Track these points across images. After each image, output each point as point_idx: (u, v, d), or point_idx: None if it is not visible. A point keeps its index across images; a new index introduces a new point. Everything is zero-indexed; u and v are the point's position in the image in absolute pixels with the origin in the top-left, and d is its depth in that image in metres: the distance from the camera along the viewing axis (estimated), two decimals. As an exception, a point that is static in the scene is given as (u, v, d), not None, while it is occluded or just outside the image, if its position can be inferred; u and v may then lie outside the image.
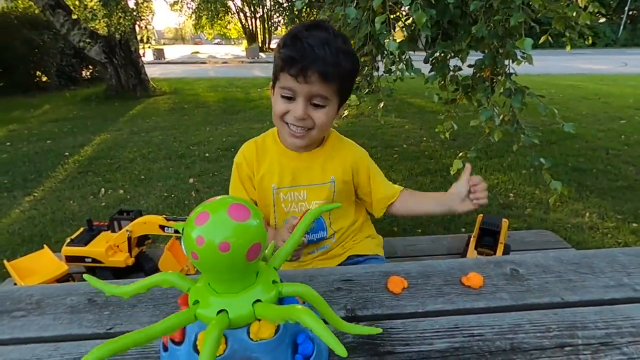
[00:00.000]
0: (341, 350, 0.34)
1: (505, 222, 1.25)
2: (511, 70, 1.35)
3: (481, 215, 1.30)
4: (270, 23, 22.88)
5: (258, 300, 0.42)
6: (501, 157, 3.55)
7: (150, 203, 2.75)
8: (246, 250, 0.38)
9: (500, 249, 1.20)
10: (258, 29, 22.57)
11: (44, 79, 7.64)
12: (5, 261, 1.23)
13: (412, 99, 6.27)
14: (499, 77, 1.34)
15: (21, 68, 7.14)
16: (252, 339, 0.42)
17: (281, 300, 0.47)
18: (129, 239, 1.21)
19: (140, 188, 3.03)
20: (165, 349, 0.47)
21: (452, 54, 1.51)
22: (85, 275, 0.49)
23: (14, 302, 0.62)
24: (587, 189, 2.87)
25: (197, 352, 0.42)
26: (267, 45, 22.06)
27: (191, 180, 3.13)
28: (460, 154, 1.56)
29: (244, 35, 22.90)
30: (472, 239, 1.25)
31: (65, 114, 5.55)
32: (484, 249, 1.22)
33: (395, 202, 0.95)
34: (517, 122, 1.33)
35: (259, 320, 0.43)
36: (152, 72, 8.35)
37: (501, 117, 1.36)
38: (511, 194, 2.84)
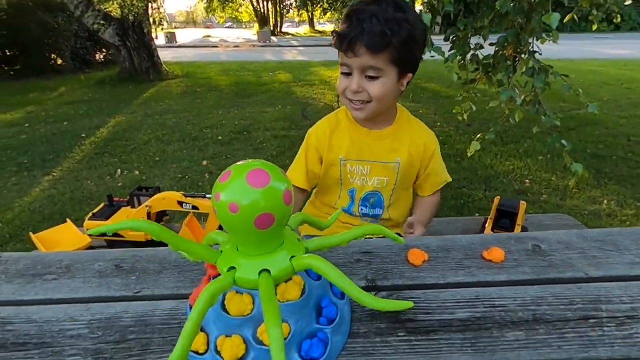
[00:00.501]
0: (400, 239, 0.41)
1: (522, 205, 1.23)
2: (535, 48, 1.30)
3: (498, 197, 1.29)
4: (282, 6, 22.52)
5: (267, 270, 0.42)
6: (517, 142, 3.48)
7: (165, 184, 2.79)
8: (254, 217, 0.39)
9: (517, 230, 1.19)
10: (270, 12, 22.25)
11: (59, 61, 7.72)
12: (30, 233, 1.27)
13: (427, 84, 6.16)
14: (522, 56, 1.29)
15: (36, 50, 7.22)
16: (278, 300, 0.43)
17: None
18: (148, 214, 1.23)
19: (155, 169, 3.08)
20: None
21: (474, 31, 1.47)
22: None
23: (45, 266, 0.64)
24: (606, 176, 2.81)
25: (225, 310, 0.43)
26: (278, 28, 21.77)
27: (204, 163, 3.16)
28: (478, 135, 1.53)
29: (255, 19, 22.61)
30: (488, 220, 1.24)
31: (80, 96, 5.62)
32: (501, 230, 1.21)
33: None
34: (538, 102, 1.29)
35: (286, 281, 0.44)
36: (165, 55, 8.35)
37: (522, 97, 1.32)
38: (527, 180, 2.79)
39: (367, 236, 0.52)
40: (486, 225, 1.23)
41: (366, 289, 0.57)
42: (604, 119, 4.10)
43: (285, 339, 0.42)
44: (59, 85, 6.47)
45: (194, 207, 1.21)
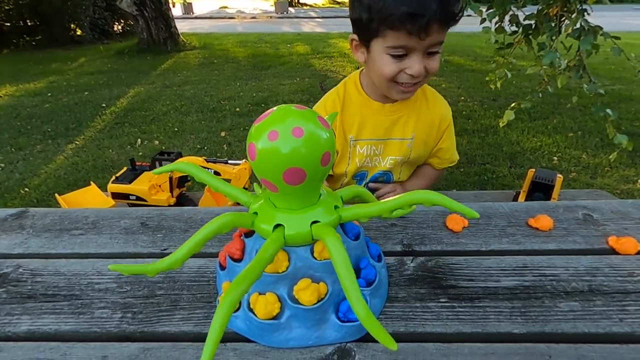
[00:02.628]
0: (473, 213, 0.36)
1: (559, 178, 1.16)
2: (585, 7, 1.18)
3: (533, 169, 1.22)
4: (300, -25, 21.72)
5: (317, 222, 0.39)
6: (546, 118, 3.31)
7: (184, 154, 2.80)
8: (321, 155, 0.35)
9: (552, 205, 1.12)
10: (287, -18, 21.52)
11: (79, 32, 7.73)
12: (56, 194, 1.29)
13: (451, 57, 5.89)
14: (570, 15, 1.18)
15: (57, 21, 7.23)
16: (316, 259, 0.40)
17: (343, 227, 0.45)
18: (171, 178, 1.22)
19: (174, 140, 3.08)
20: (222, 267, 0.47)
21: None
22: (111, 267, 0.36)
23: (72, 221, 0.63)
24: (642, 155, 2.65)
25: (259, 268, 0.40)
26: (296, -1, 21.11)
27: (223, 134, 3.15)
28: (513, 104, 1.43)
29: (272, -11, 21.95)
30: (521, 193, 1.18)
31: (100, 67, 5.63)
32: (534, 205, 1.15)
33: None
34: (583, 67, 1.19)
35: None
36: (182, 26, 8.24)
37: (566, 61, 1.22)
38: (555, 158, 2.67)
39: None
40: (519, 198, 1.17)
41: (402, 253, 0.54)
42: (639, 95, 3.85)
43: (322, 299, 0.40)
44: (79, 55, 6.50)
45: (216, 173, 1.19)
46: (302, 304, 0.39)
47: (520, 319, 0.43)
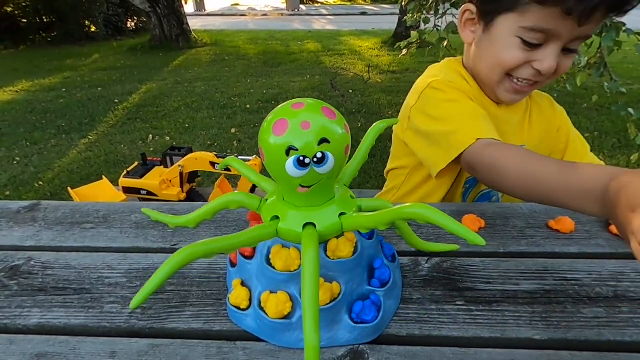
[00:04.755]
0: (479, 240, 0.29)
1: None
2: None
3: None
4: (312, -27, 21.65)
5: (343, 213, 0.38)
6: (561, 118, 3.25)
7: (194, 150, 2.81)
8: (344, 147, 0.35)
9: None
10: (299, -20, 21.47)
11: (93, 28, 7.84)
12: (69, 188, 1.30)
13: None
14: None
15: (72, 17, 7.34)
16: (329, 257, 0.39)
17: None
18: (181, 174, 1.23)
19: (185, 136, 3.10)
20: (233, 264, 0.46)
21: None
22: (144, 210, 0.50)
23: (83, 215, 0.63)
24: (662, 157, 2.58)
25: (270, 264, 0.39)
26: (307, -3, 21.04)
27: (233, 131, 3.15)
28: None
29: (284, -14, 21.93)
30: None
31: (113, 63, 5.70)
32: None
33: None
34: (604, 65, 1.15)
35: (337, 237, 0.39)
36: (193, 23, 8.29)
37: (586, 59, 1.18)
38: (571, 158, 2.62)
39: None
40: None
41: (416, 254, 0.52)
42: (661, 95, 3.74)
43: (335, 299, 0.39)
44: (93, 52, 6.59)
45: (226, 169, 1.18)
46: (314, 304, 0.38)
47: (542, 325, 0.41)
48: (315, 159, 0.33)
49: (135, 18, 8.49)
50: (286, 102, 0.36)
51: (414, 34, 1.41)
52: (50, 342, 0.40)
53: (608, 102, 3.23)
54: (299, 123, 0.33)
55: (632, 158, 1.36)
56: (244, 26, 10.51)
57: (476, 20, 0.62)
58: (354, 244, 0.40)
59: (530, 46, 0.56)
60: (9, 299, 0.46)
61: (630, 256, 0.50)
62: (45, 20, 7.64)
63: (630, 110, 1.10)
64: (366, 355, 0.38)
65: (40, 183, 2.39)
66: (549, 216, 0.58)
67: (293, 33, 8.72)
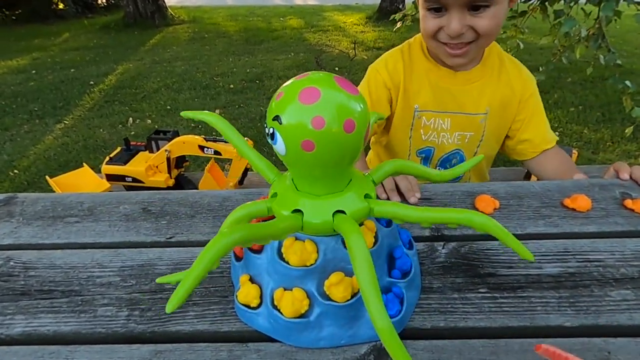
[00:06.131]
0: (529, 255, 0.30)
1: (575, 154, 1.12)
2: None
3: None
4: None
5: (341, 212, 0.34)
6: (546, 93, 3.26)
7: (180, 133, 2.71)
8: (342, 122, 0.29)
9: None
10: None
11: (61, 6, 7.36)
12: (47, 177, 1.22)
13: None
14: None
15: (36, -7, 6.86)
16: (346, 249, 0.35)
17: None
18: (168, 159, 1.16)
19: (167, 118, 2.98)
20: (238, 258, 0.42)
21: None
22: (158, 280, 0.40)
23: (65, 208, 0.57)
24: (644, 129, 2.63)
25: (283, 259, 0.36)
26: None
27: (217, 112, 3.04)
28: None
29: (263, -41, 20.98)
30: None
31: (85, 43, 5.39)
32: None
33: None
34: (602, 36, 1.12)
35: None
36: (169, -1, 7.89)
37: (586, 29, 1.15)
38: (557, 133, 2.62)
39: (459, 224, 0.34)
40: (531, 177, 1.13)
41: (432, 239, 0.49)
42: (642, 68, 3.79)
43: (356, 294, 0.35)
44: (62, 30, 6.21)
45: (216, 153, 1.12)
46: (334, 301, 0.35)
47: (570, 310, 0.39)
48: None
49: (106, -6, 8.01)
50: (302, 74, 0.31)
51: (409, 5, 1.35)
52: (38, 353, 0.36)
53: (592, 77, 3.25)
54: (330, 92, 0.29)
55: (626, 131, 1.36)
56: (222, 2, 10.06)
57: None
58: (374, 234, 0.37)
59: (437, 13, 0.64)
60: (-13, 305, 0.41)
61: (650, 234, 0.49)
62: (7, -3, 7.11)
63: (627, 82, 1.09)
64: (391, 352, 0.35)
65: (16, 172, 2.27)
66: (563, 194, 0.56)
67: (274, 9, 8.41)
